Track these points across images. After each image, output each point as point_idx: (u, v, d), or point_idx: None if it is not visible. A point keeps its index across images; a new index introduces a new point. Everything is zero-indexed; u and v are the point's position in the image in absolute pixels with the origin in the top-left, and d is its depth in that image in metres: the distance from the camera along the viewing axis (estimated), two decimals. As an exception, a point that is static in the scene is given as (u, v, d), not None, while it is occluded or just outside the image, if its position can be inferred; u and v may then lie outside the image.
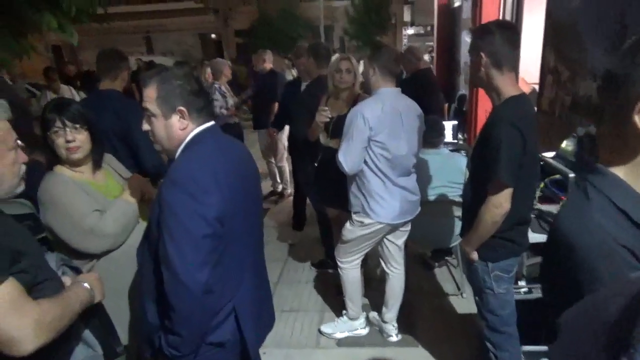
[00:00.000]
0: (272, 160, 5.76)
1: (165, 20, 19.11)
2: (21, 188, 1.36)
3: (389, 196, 2.72)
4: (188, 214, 1.42)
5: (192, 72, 1.64)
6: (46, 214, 1.81)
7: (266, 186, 6.31)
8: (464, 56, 7.86)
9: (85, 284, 1.46)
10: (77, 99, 6.73)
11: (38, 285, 1.32)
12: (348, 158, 2.64)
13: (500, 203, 1.92)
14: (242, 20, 19.40)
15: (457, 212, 3.33)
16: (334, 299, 3.57)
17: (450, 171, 3.27)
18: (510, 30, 1.94)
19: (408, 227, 2.94)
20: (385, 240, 2.95)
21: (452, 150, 3.62)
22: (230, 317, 1.61)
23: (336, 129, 3.17)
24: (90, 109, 2.81)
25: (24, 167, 1.36)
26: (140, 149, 2.76)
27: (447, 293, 3.59)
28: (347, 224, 2.90)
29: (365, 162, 2.68)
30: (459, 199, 3.31)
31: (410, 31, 19.66)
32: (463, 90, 7.59)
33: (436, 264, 3.87)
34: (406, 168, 2.78)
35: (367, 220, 2.77)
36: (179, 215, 1.41)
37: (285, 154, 5.48)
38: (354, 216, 2.83)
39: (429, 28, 24.05)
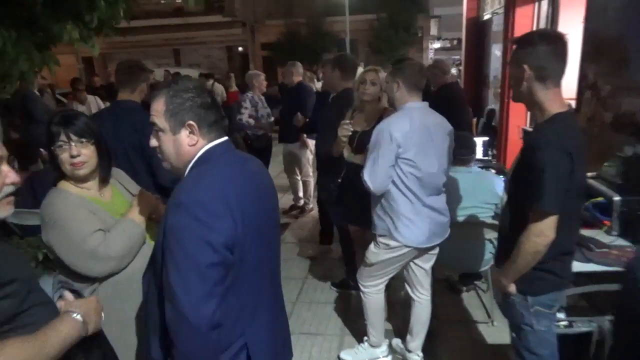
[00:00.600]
0: (297, 174, 5.61)
1: (194, 33, 19.34)
2: (5, 213, 1.22)
3: (417, 218, 2.52)
4: (193, 239, 1.26)
5: (204, 84, 1.51)
6: (47, 233, 1.68)
7: (287, 200, 6.17)
8: (494, 70, 7.63)
9: (76, 315, 1.31)
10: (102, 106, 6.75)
11: (25, 312, 1.19)
12: (374, 177, 2.46)
13: (542, 232, 1.71)
14: (269, 33, 19.49)
15: (488, 234, 3.10)
16: (354, 322, 3.36)
17: (482, 191, 3.05)
18: (557, 42, 1.74)
19: (436, 250, 2.73)
20: (411, 264, 2.74)
21: (482, 168, 3.40)
22: (241, 355, 1.43)
23: (360, 144, 3.00)
24: (107, 121, 2.76)
25: (10, 188, 1.22)
26: (157, 163, 2.63)
27: (476, 320, 3.34)
28: (372, 246, 2.70)
29: (393, 181, 2.49)
30: (491, 221, 3.09)
31: (437, 45, 19.44)
32: (492, 104, 7.35)
33: (464, 288, 3.63)
34: (436, 187, 2.58)
35: (393, 243, 2.58)
36: (183, 241, 1.26)
37: (311, 169, 5.33)
38: (379, 239, 2.64)
39: (455, 42, 23.82)
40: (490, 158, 4.40)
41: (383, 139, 2.43)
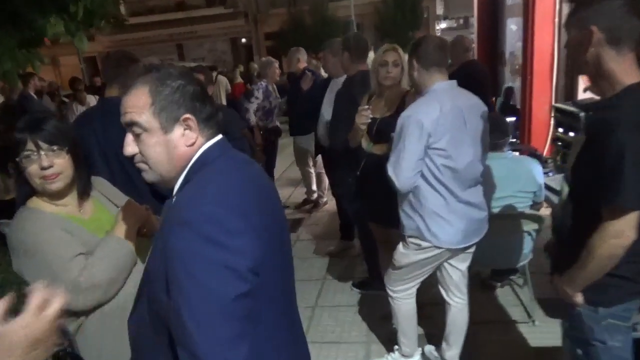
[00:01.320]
0: (309, 166, 5.28)
1: (197, 27, 19.03)
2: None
3: (452, 216, 2.20)
4: (211, 267, 0.96)
5: (190, 72, 1.19)
6: (18, 261, 1.39)
7: (298, 194, 5.85)
8: (510, 46, 7.20)
9: None
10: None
11: None
12: (400, 173, 2.13)
13: (621, 232, 1.37)
14: (272, 23, 19.07)
15: (527, 226, 2.76)
16: (381, 327, 3.06)
17: (518, 178, 2.71)
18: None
19: (473, 249, 2.41)
20: (445, 264, 2.42)
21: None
22: None
23: (380, 132, 2.68)
24: (96, 122, 2.45)
25: None
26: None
27: (515, 320, 3.01)
28: (400, 247, 2.39)
29: (423, 175, 2.17)
30: (530, 211, 2.75)
31: (444, 25, 18.86)
32: (509, 82, 6.94)
33: (498, 284, 3.30)
34: (473, 178, 2.25)
35: (425, 244, 2.26)
36: (196, 271, 0.96)
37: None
38: (409, 239, 2.32)
39: (461, 21, 23.15)
40: (516, 140, 4.04)
41: (410, 128, 2.10)
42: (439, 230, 2.21)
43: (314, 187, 5.39)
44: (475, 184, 2.29)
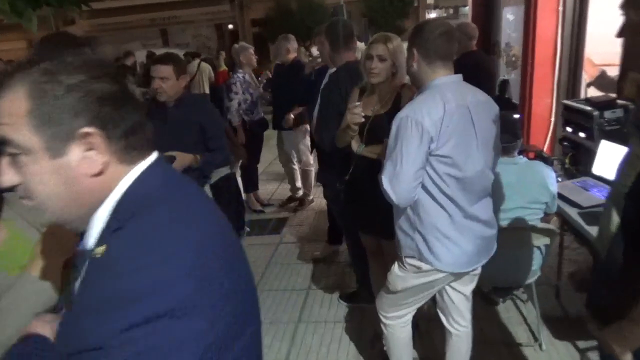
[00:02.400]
0: (293, 163, 4.89)
1: (180, 11, 18.32)
2: None
3: (457, 234, 1.85)
4: (165, 351, 0.66)
5: (109, 63, 0.81)
6: None
7: (283, 190, 5.48)
8: (505, 36, 6.85)
9: None
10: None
11: None
12: (398, 185, 1.77)
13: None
14: (258, 8, 18.43)
15: (537, 240, 2.43)
16: (371, 347, 2.72)
17: (529, 186, 2.37)
18: None
19: (479, 269, 2.06)
20: (447, 287, 2.08)
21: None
22: None
23: (373, 132, 2.31)
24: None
25: None
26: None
27: (520, 343, 2.70)
28: (396, 269, 2.03)
29: (423, 186, 1.81)
30: (541, 225, 2.41)
31: (433, 14, 18.44)
32: (504, 75, 6.60)
33: (500, 300, 2.98)
34: (482, 190, 1.91)
35: (425, 266, 1.91)
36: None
37: (312, 157, 4.61)
38: (407, 259, 1.96)
39: (451, 11, 22.73)
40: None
41: (408, 131, 1.73)
42: (442, 251, 1.86)
43: (299, 184, 5.01)
44: (485, 195, 1.94)
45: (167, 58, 2.69)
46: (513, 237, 2.39)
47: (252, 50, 4.61)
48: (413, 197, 1.80)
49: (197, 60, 8.57)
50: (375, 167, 2.13)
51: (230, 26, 20.22)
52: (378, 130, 2.29)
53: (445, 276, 1.94)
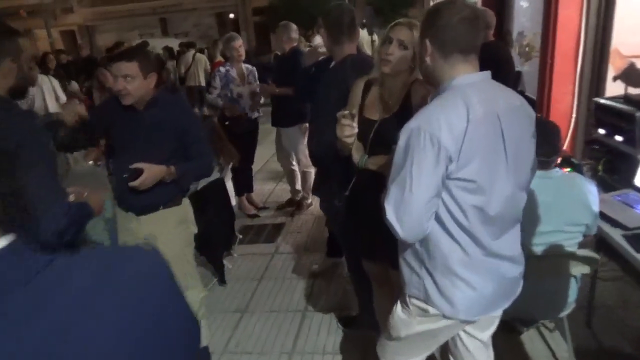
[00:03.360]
0: (292, 164, 4.47)
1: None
2: None
3: (474, 276, 1.45)
4: None
5: None
6: None
7: (281, 191, 5.06)
8: (518, 25, 6.37)
9: None
10: (60, 92, 5.57)
11: None
12: (405, 216, 1.36)
13: None
14: (261, -3, 17.92)
15: (575, 268, 2.01)
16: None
17: (568, 206, 1.95)
18: None
19: (500, 312, 1.65)
20: (461, 332, 1.68)
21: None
22: None
23: (379, 140, 1.90)
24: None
25: None
26: (33, 193, 1.52)
27: (548, 383, 2.30)
28: (399, 310, 1.64)
29: (437, 216, 1.40)
30: (583, 251, 2.00)
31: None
32: (518, 66, 6.14)
33: (525, 329, 2.57)
34: (511, 219, 1.49)
35: (433, 310, 1.50)
36: None
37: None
38: (412, 300, 1.56)
39: (456, -1, 22.07)
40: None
41: (420, 147, 1.32)
42: (455, 294, 1.46)
43: (298, 186, 4.59)
44: (512, 225, 1.53)
45: (132, 53, 2.26)
46: (547, 266, 1.98)
47: (237, 43, 4.13)
48: (425, 230, 1.39)
49: (192, 51, 8.13)
50: (381, 182, 1.72)
51: (232, 15, 19.70)
52: (386, 137, 1.87)
53: (457, 323, 1.54)
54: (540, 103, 4.44)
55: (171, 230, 2.33)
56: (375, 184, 1.87)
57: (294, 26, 4.14)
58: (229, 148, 3.76)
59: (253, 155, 4.55)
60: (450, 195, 1.36)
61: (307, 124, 4.00)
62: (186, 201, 2.41)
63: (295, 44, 4.14)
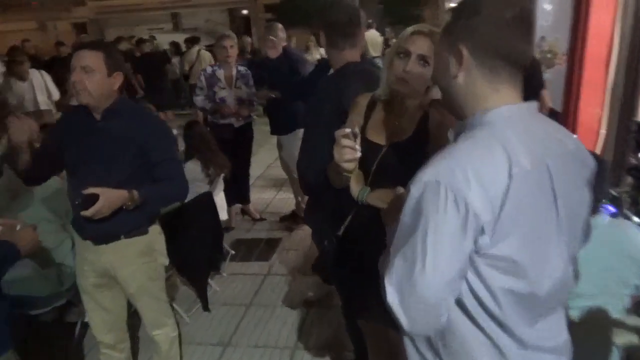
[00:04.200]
0: (295, 172, 4.08)
1: (193, -6, 17.51)
2: None
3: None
4: None
5: None
6: None
7: (281, 200, 4.67)
8: (540, 29, 5.92)
9: None
10: (52, 88, 5.24)
11: None
12: (414, 302, 0.95)
13: None
14: (273, -7, 17.47)
15: (620, 337, 1.60)
16: None
17: (616, 262, 1.53)
18: None
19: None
20: None
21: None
22: None
23: (384, 170, 1.52)
24: None
25: None
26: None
27: None
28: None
29: (459, 300, 0.99)
30: (632, 321, 1.58)
31: (454, 4, 17.31)
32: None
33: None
34: (557, 301, 1.08)
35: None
36: None
37: None
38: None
39: None
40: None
41: (440, 209, 0.89)
42: None
43: (301, 197, 4.21)
44: (558, 307, 1.12)
45: (99, 44, 1.89)
46: (584, 334, 1.57)
47: (228, 42, 3.72)
48: (440, 323, 0.98)
49: (196, 47, 7.76)
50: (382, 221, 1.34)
51: (245, 11, 19.30)
52: (394, 167, 1.50)
53: None
54: (565, 115, 4.00)
55: (133, 262, 1.96)
56: (376, 225, 1.48)
57: (278, 25, 3.74)
58: (219, 157, 3.39)
59: (247, 164, 4.18)
60: (477, 275, 0.95)
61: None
62: (155, 229, 2.03)
63: (283, 44, 3.75)
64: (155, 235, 2.03)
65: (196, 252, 2.88)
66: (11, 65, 4.96)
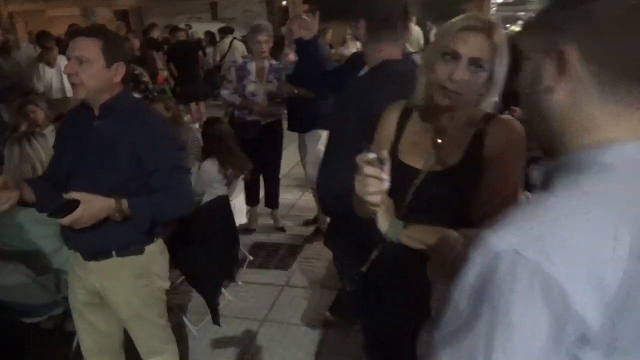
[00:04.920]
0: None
1: (232, -16, 17.37)
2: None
3: None
4: None
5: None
6: None
7: (305, 202, 4.35)
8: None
9: None
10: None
11: None
12: None
13: None
14: (312, -15, 17.11)
15: None
16: None
17: None
18: None
19: None
20: None
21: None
22: None
23: (422, 202, 1.20)
24: None
25: None
26: None
27: None
28: None
29: None
30: None
31: (500, -2, 16.47)
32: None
33: None
34: None
35: None
36: None
37: None
38: None
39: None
40: None
41: (517, 299, 0.55)
42: None
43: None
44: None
45: (96, 30, 1.62)
46: None
47: (262, 37, 3.39)
48: None
49: (229, 37, 7.51)
50: (420, 266, 1.03)
51: (284, 2, 19.01)
52: (435, 198, 1.17)
53: None
54: None
55: (125, 284, 1.69)
56: (409, 268, 1.16)
57: (305, 17, 3.41)
58: (239, 157, 3.11)
59: (276, 166, 3.88)
60: None
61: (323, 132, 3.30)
62: (153, 248, 1.73)
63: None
64: (155, 255, 1.74)
65: (208, 262, 2.62)
66: (43, 51, 4.82)
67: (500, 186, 1.12)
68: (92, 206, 1.47)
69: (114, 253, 1.65)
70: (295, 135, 3.87)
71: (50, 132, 3.24)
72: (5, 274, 2.12)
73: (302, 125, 3.51)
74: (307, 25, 2.79)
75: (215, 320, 2.75)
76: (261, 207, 4.01)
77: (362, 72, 1.84)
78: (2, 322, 2.24)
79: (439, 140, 1.20)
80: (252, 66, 3.48)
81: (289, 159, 5.37)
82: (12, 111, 3.96)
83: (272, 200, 3.97)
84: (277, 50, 5.79)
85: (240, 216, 3.32)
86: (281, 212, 4.15)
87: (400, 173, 1.19)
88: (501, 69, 1.12)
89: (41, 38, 4.96)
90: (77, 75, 1.55)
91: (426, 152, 1.21)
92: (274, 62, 3.64)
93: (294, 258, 3.49)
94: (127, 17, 17.62)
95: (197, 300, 2.96)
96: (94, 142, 1.62)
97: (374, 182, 1.05)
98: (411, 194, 1.20)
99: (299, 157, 3.97)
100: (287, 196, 4.60)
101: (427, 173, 1.18)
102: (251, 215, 3.89)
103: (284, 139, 3.87)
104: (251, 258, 3.43)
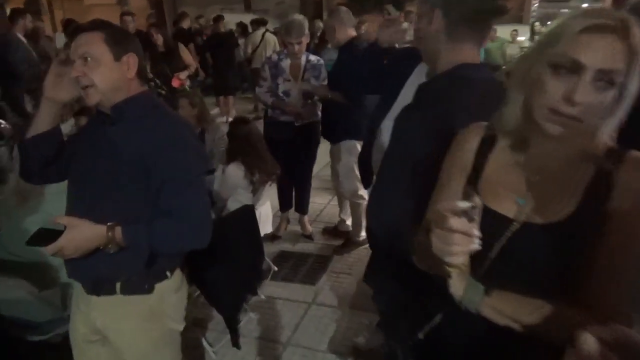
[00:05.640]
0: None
1: (267, -25, 17.05)
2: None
3: None
4: None
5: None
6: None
7: (335, 208, 4.05)
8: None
9: None
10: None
11: None
12: None
13: None
14: (347, -23, 16.66)
15: None
16: None
17: None
18: None
19: None
20: None
21: None
22: None
23: (513, 260, 0.88)
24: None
25: None
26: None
27: None
28: None
29: None
30: None
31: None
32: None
33: None
34: None
35: None
36: None
37: (361, 188, 3.10)
38: None
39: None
40: None
41: None
42: None
43: (343, 215, 3.61)
44: None
45: (95, 23, 1.35)
46: None
47: (294, 39, 3.06)
48: None
49: (262, 30, 7.23)
50: (504, 343, 0.75)
51: (318, -6, 18.63)
52: (525, 258, 0.87)
53: None
54: None
55: (132, 328, 1.43)
56: (489, 349, 0.86)
57: (345, 11, 3.10)
58: (268, 162, 2.83)
59: (308, 171, 3.60)
60: None
61: (356, 142, 3.02)
62: (167, 285, 1.45)
63: (353, 34, 3.08)
64: (168, 295, 1.45)
65: (228, 279, 2.36)
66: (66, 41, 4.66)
67: (624, 256, 0.81)
68: (80, 234, 1.22)
69: (118, 288, 1.38)
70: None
71: (70, 126, 3.05)
72: (6, 291, 1.91)
73: (335, 134, 3.20)
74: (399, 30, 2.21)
75: (235, 342, 2.49)
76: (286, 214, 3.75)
77: (418, 71, 1.51)
78: (8, 338, 2.04)
79: (537, 179, 0.89)
80: (286, 64, 3.18)
81: (319, 158, 5.08)
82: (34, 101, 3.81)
83: (301, 206, 3.69)
84: (321, 45, 5.49)
85: (267, 225, 3.06)
86: (308, 216, 3.87)
87: (482, 221, 0.88)
88: (635, 84, 0.79)
89: (67, 27, 4.78)
90: (85, 75, 1.30)
91: (518, 195, 0.89)
92: (312, 58, 3.31)
93: (322, 271, 3.20)
94: (161, 6, 17.60)
95: (217, 316, 2.71)
96: (102, 152, 1.36)
97: (461, 240, 0.75)
98: (496, 251, 0.89)
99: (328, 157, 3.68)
100: (315, 199, 4.31)
101: (522, 225, 0.87)
102: (280, 220, 3.63)
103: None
104: (276, 269, 3.16)
